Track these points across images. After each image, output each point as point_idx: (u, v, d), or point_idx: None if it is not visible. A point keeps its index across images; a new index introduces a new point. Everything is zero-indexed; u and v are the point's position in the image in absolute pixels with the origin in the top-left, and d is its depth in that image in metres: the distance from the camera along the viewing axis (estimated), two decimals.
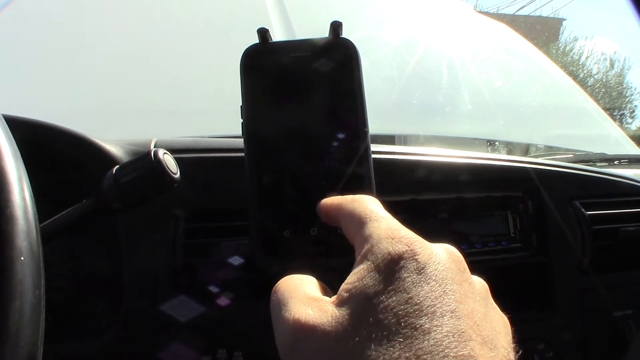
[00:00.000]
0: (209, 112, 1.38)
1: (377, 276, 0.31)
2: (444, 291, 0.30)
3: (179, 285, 0.69)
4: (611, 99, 15.46)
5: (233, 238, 0.69)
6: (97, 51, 1.42)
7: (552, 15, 16.18)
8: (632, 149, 1.83)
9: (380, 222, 0.35)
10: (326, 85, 0.50)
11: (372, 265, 0.32)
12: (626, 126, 15.35)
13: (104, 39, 1.46)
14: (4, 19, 1.42)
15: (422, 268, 0.31)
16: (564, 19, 16.54)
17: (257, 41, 0.50)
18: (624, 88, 16.22)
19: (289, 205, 0.48)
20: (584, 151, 1.83)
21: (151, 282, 0.68)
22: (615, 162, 1.63)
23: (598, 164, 1.60)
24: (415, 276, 0.30)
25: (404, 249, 0.32)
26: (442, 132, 1.71)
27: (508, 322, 0.35)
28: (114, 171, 0.58)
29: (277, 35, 1.57)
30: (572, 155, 1.77)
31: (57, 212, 0.57)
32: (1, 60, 1.30)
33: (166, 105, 1.37)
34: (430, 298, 0.29)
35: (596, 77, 16.27)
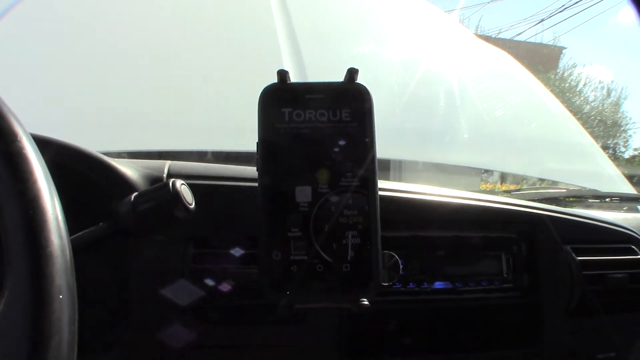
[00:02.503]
0: (213, 127, 1.41)
1: None
2: None
3: (185, 309, 0.71)
4: (606, 128, 15.54)
5: (241, 265, 0.71)
6: (104, 59, 1.43)
7: (552, 43, 16.29)
8: (624, 187, 1.85)
9: None
10: (340, 126, 0.53)
11: None
12: (619, 155, 15.45)
13: (110, 48, 1.48)
14: (10, 22, 1.43)
15: None
16: (565, 48, 16.65)
17: (272, 75, 0.53)
18: (619, 117, 16.32)
19: (297, 241, 0.51)
20: (578, 186, 1.86)
21: (158, 305, 0.70)
22: (607, 200, 1.65)
23: (590, 200, 1.62)
24: None
25: None
26: (438, 159, 1.73)
27: None
28: (132, 198, 0.61)
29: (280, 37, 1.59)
30: (565, 190, 1.79)
31: (72, 230, 0.59)
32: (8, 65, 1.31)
33: (170, 117, 1.39)
34: None
35: (592, 104, 16.36)
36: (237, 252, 0.72)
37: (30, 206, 0.37)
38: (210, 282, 0.71)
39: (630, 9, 0.71)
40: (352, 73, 0.53)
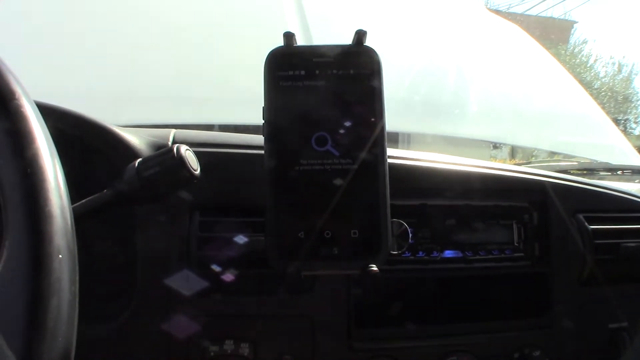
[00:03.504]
0: (217, 99, 1.39)
1: None
2: None
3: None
4: (617, 104, 15.43)
5: (248, 233, 0.71)
6: (107, 32, 1.42)
7: (563, 17, 16.11)
8: (636, 160, 1.83)
9: None
10: (348, 90, 0.51)
11: None
12: (630, 131, 15.35)
13: (113, 20, 1.46)
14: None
15: None
16: (576, 22, 16.47)
17: (280, 43, 0.52)
18: (630, 93, 16.20)
19: (305, 206, 0.50)
20: (589, 159, 1.84)
21: (164, 273, 0.70)
22: (619, 172, 1.63)
23: (601, 172, 1.60)
24: None
25: None
26: (446, 132, 1.71)
27: None
28: (136, 164, 0.60)
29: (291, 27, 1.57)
30: (576, 163, 1.78)
31: (76, 199, 0.59)
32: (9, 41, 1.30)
33: (175, 91, 1.38)
34: None
35: (603, 80, 16.23)
36: (244, 220, 0.71)
37: (28, 164, 0.36)
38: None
39: None
40: (360, 35, 0.52)
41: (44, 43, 1.32)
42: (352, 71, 0.52)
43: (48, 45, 1.32)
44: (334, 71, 0.52)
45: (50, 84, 1.18)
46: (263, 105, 0.51)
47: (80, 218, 0.60)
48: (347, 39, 0.53)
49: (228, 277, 0.71)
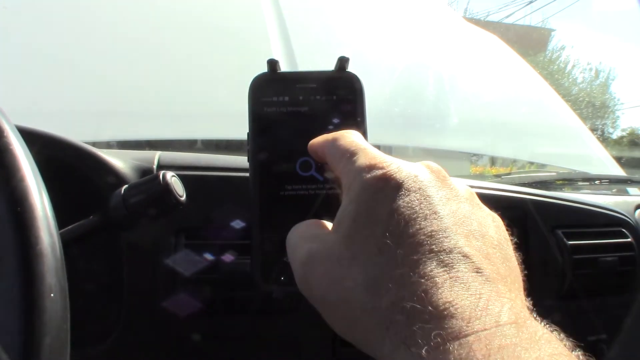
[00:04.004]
0: (199, 114, 1.40)
1: (361, 202, 0.34)
2: (423, 197, 0.33)
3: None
4: (594, 109, 15.63)
5: (233, 256, 0.71)
6: (91, 48, 1.42)
7: (541, 25, 16.31)
8: (613, 169, 1.87)
9: (360, 154, 0.37)
10: (330, 115, 0.52)
11: (354, 194, 0.34)
12: (607, 136, 15.56)
13: (97, 36, 1.46)
14: None
15: (400, 185, 0.33)
16: (554, 30, 16.68)
17: (262, 67, 0.53)
18: (607, 98, 16.42)
19: (289, 230, 0.50)
20: (568, 169, 1.87)
21: (151, 297, 0.70)
22: (597, 182, 1.66)
23: (580, 182, 1.63)
24: (394, 193, 0.33)
25: (381, 173, 0.34)
26: (427, 144, 1.73)
27: (499, 218, 0.37)
28: (122, 191, 0.60)
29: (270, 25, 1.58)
30: (555, 173, 1.80)
31: (61, 224, 0.59)
32: None
33: (158, 106, 1.38)
34: (411, 207, 0.32)
35: (581, 86, 16.44)
36: (228, 242, 0.71)
37: (18, 203, 0.36)
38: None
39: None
40: (342, 62, 0.53)
41: (26, 59, 1.32)
42: (334, 97, 0.53)
43: (30, 61, 1.31)
44: (317, 97, 0.52)
45: (32, 100, 1.18)
46: (247, 130, 0.52)
47: (66, 245, 0.60)
48: (332, 60, 0.54)
49: (213, 299, 0.71)
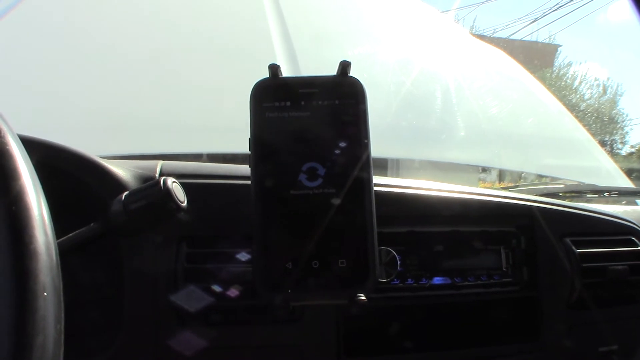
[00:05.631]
0: (205, 128, 1.40)
1: None
2: None
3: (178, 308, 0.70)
4: (603, 125, 15.59)
5: (235, 264, 0.70)
6: (96, 61, 1.42)
7: (547, 41, 16.34)
8: (622, 182, 1.85)
9: None
10: (333, 120, 0.52)
11: None
12: (617, 151, 15.49)
13: (103, 50, 1.47)
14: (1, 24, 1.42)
15: None
16: (560, 45, 16.70)
17: (262, 71, 0.52)
18: (616, 114, 16.37)
19: (292, 237, 0.50)
20: (576, 181, 1.86)
21: (152, 306, 0.69)
22: (606, 194, 1.64)
23: (588, 195, 1.61)
24: None
25: None
26: (434, 157, 1.72)
27: None
28: (123, 197, 0.60)
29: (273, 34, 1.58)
30: (563, 185, 1.79)
31: (62, 232, 0.59)
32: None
33: (163, 121, 1.38)
34: None
35: (589, 102, 16.41)
36: (231, 251, 0.71)
37: (13, 202, 0.36)
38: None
39: (630, 8, 0.70)
40: (344, 66, 0.53)
41: (32, 74, 1.32)
42: (336, 101, 0.52)
43: (36, 76, 1.32)
44: (319, 102, 0.52)
45: (38, 115, 1.18)
46: (249, 136, 0.52)
47: (67, 252, 0.60)
48: (335, 65, 0.53)
49: (215, 308, 0.71)
